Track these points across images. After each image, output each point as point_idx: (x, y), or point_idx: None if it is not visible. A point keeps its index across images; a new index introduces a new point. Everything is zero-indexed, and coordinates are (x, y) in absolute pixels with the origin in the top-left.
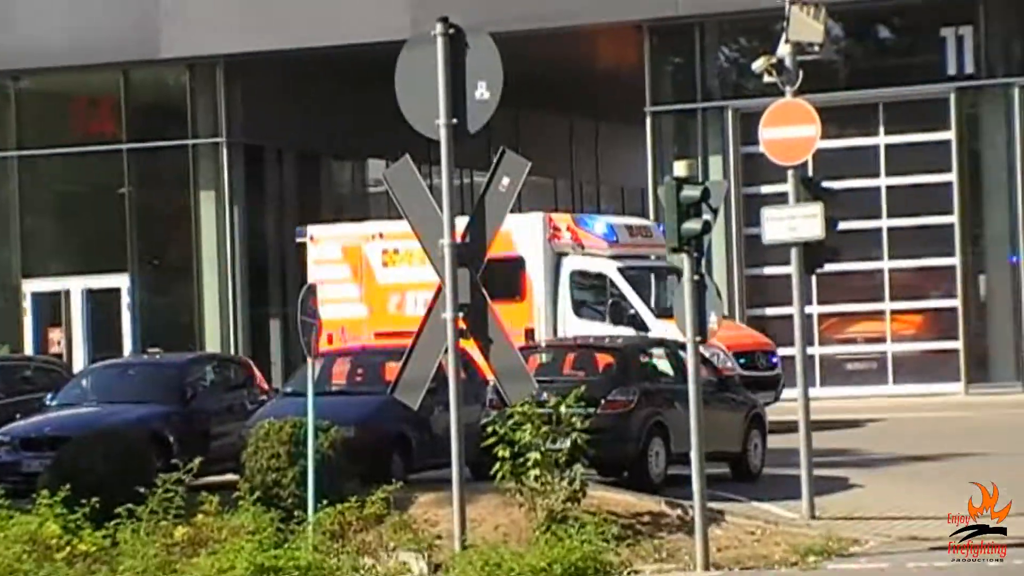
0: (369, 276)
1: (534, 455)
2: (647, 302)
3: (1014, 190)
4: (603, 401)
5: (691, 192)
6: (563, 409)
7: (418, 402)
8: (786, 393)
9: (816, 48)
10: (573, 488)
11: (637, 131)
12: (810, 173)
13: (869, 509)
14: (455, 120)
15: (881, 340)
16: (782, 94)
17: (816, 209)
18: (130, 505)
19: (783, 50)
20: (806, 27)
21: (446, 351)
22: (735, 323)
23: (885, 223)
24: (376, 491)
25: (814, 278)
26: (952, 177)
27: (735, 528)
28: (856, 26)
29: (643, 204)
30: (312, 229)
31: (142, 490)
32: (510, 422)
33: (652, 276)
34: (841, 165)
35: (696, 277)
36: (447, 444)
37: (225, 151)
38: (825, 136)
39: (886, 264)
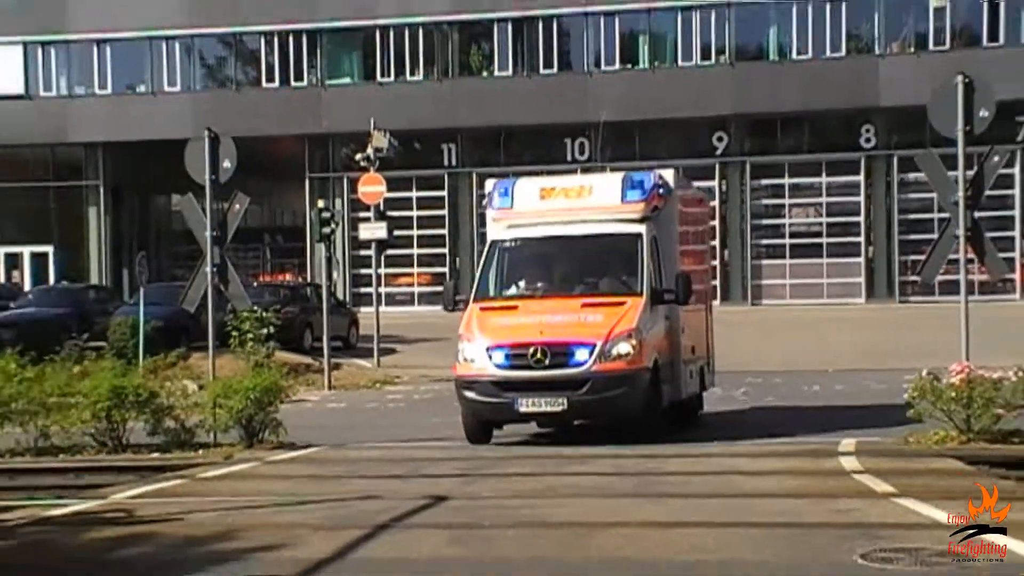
0: None
1: (250, 335)
2: (510, 279)
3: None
4: (282, 311)
5: (326, 215)
6: (264, 314)
7: (193, 308)
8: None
9: (384, 150)
10: (268, 352)
11: (302, 187)
12: (382, 207)
13: (406, 364)
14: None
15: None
16: (368, 170)
17: (383, 224)
18: (51, 355)
19: (370, 151)
20: (379, 140)
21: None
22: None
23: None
24: (172, 352)
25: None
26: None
27: (344, 371)
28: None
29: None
30: None
31: (57, 348)
32: (238, 320)
33: (566, 248)
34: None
35: (328, 256)
36: (207, 330)
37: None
38: (391, 189)
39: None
